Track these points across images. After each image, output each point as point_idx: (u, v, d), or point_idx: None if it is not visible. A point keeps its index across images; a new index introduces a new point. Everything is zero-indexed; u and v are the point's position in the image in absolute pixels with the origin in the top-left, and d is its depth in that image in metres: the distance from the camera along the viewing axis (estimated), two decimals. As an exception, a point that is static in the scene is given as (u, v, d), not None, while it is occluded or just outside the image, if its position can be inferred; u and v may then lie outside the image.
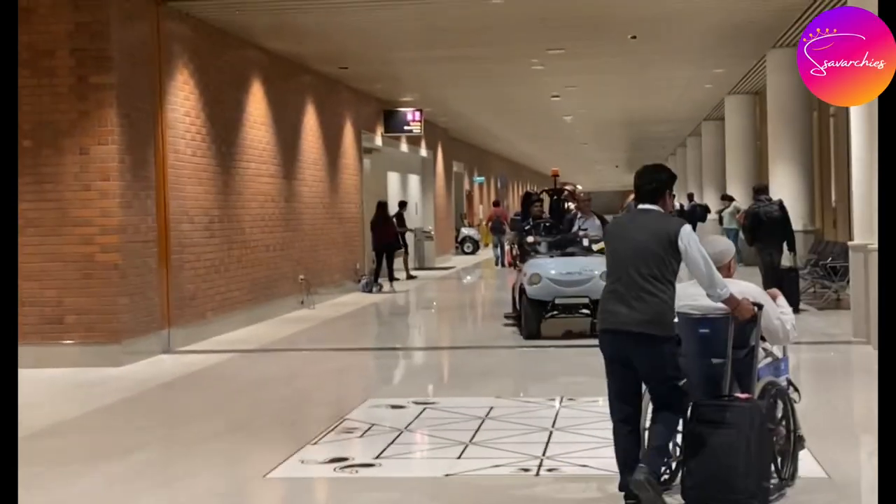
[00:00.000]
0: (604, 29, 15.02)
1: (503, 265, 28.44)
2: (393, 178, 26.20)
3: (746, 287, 5.48)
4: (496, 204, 32.46)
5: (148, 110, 11.52)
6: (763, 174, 21.61)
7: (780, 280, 13.24)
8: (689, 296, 5.35)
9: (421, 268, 27.46)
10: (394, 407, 8.00)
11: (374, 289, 19.91)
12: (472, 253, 34.21)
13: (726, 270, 5.50)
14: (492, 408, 7.81)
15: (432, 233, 28.36)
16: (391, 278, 20.27)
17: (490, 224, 30.86)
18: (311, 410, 8.30)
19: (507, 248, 20.66)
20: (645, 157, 48.27)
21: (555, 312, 12.03)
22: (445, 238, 31.44)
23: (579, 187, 66.01)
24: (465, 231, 35.80)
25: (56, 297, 10.59)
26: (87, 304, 10.58)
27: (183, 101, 12.41)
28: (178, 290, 12.02)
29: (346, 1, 12.60)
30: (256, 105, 14.92)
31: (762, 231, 14.06)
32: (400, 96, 22.51)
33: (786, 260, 14.51)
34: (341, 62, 17.27)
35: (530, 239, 12.98)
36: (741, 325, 5.26)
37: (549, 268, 11.99)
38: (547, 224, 13.59)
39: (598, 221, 13.16)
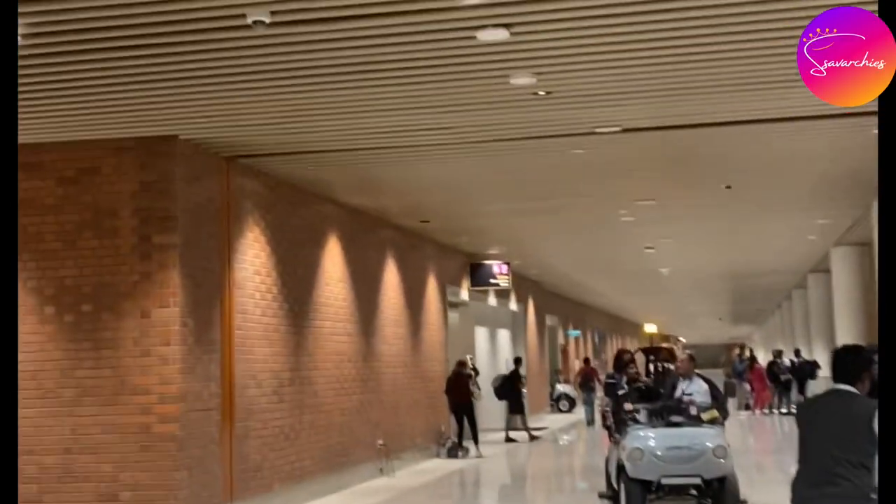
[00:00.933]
0: (696, 179, 14.25)
1: (591, 423, 27.10)
2: (481, 333, 25.39)
3: None
4: (586, 361, 31.33)
5: (214, 270, 11.00)
6: (873, 330, 20.24)
7: None
8: None
9: (513, 428, 26.34)
10: None
11: (460, 453, 18.89)
12: (568, 411, 32.91)
13: None
14: None
15: (524, 391, 27.26)
16: (476, 440, 19.23)
17: (580, 382, 29.72)
18: None
19: (598, 412, 17.96)
20: (749, 309, 46.83)
21: (660, 494, 10.42)
22: (539, 395, 30.32)
23: (682, 340, 63.92)
24: (560, 388, 34.57)
25: (112, 472, 9.91)
26: (144, 479, 9.87)
27: (252, 259, 11.90)
28: (242, 461, 11.26)
29: (425, 154, 12.08)
30: (332, 261, 14.39)
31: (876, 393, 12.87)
32: (486, 249, 21.91)
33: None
34: (422, 216, 16.75)
35: (628, 406, 11.27)
36: None
37: (653, 441, 10.42)
38: (644, 388, 12.01)
39: (704, 384, 11.52)
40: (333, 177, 13.11)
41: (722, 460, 10.22)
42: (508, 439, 22.98)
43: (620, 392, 12.05)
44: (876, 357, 5.09)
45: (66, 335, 10.14)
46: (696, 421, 10.75)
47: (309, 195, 13.68)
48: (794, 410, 27.94)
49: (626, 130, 11.12)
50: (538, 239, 20.82)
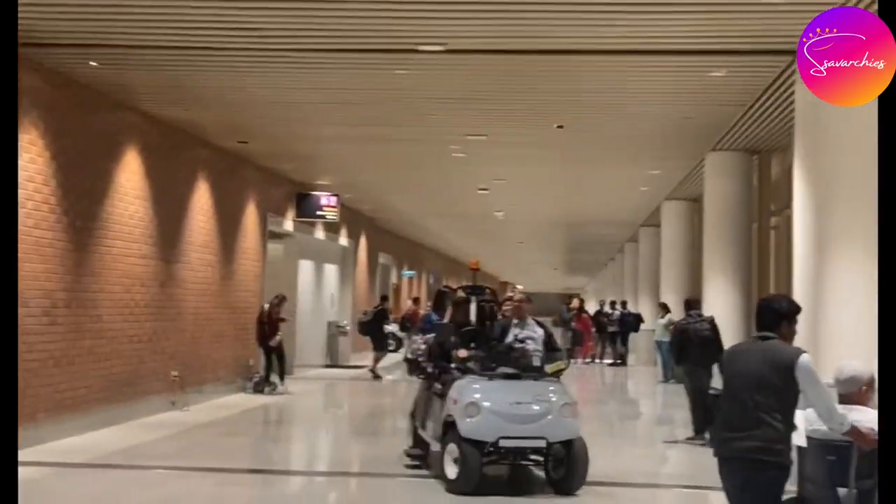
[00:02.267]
0: (528, 114, 13.52)
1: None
2: (306, 267, 24.37)
3: (874, 416, 5.21)
4: (415, 301, 30.66)
5: (-25, 171, 9.66)
6: (698, 286, 20.13)
7: (707, 407, 11.64)
8: (818, 420, 5.29)
9: (334, 365, 25.54)
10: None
11: (266, 389, 17.93)
12: (395, 350, 32.29)
13: (858, 396, 5.41)
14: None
15: (347, 328, 26.48)
16: (282, 376, 18.28)
17: (401, 322, 29.00)
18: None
19: (409, 350, 13.68)
20: (584, 260, 47.11)
21: (494, 457, 8.97)
22: (364, 334, 29.49)
23: (519, 287, 64.74)
24: (388, 327, 33.90)
25: None
26: None
27: (27, 165, 10.58)
28: (-4, 387, 10.02)
29: (240, 61, 10.94)
30: (129, 176, 13.11)
31: (691, 350, 12.50)
32: (314, 179, 20.84)
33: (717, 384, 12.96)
34: (241, 135, 15.56)
35: (462, 352, 9.60)
36: (867, 454, 5.18)
37: (490, 395, 8.82)
38: (472, 332, 10.12)
39: (540, 330, 9.86)
40: (136, 80, 11.84)
41: (570, 420, 8.84)
42: (376, 376, 22.33)
43: (451, 339, 10.11)
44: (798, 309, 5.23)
45: None
46: (537, 373, 9.26)
47: (105, 99, 12.36)
48: (617, 362, 28.35)
49: (450, 51, 10.29)
50: (369, 171, 19.88)
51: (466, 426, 8.63)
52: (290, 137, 15.93)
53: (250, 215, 18.34)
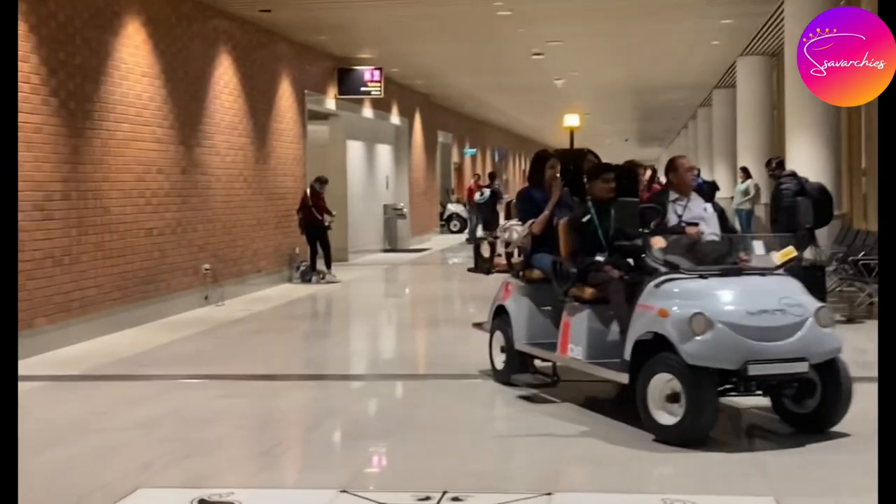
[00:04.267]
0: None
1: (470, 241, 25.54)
2: (356, 149, 23.01)
3: None
4: (476, 179, 29.21)
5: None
6: (780, 149, 18.37)
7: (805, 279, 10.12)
8: None
9: (392, 249, 24.39)
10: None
11: (314, 277, 16.82)
12: (459, 231, 31.07)
13: None
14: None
15: (405, 210, 25.22)
16: (328, 264, 17.13)
17: (466, 200, 27.96)
18: (56, 495, 5.26)
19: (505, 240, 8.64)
20: (656, 128, 45.02)
21: (735, 392, 6.34)
22: (424, 216, 28.29)
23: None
24: (451, 207, 32.67)
25: None
26: None
27: (-1, 39, 9.27)
28: (-19, 292, 8.93)
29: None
30: (132, 51, 11.77)
31: (805, 214, 11.25)
32: (355, 52, 19.32)
33: (810, 254, 11.59)
34: (262, 2, 14.09)
35: (659, 241, 6.59)
36: None
37: (722, 302, 6.19)
38: (651, 211, 7.15)
39: (709, 206, 7.47)
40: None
41: (830, 331, 6.30)
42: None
43: (582, 218, 7.34)
44: None
45: None
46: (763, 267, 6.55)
47: (95, -36, 10.97)
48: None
49: None
50: (412, 41, 18.31)
51: (695, 349, 5.99)
52: (319, 3, 14.42)
53: (285, 94, 16.96)
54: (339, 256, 19.71)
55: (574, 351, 7.03)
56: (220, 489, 5.26)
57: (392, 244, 24.74)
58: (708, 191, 26.35)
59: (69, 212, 10.38)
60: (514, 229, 7.95)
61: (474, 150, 37.30)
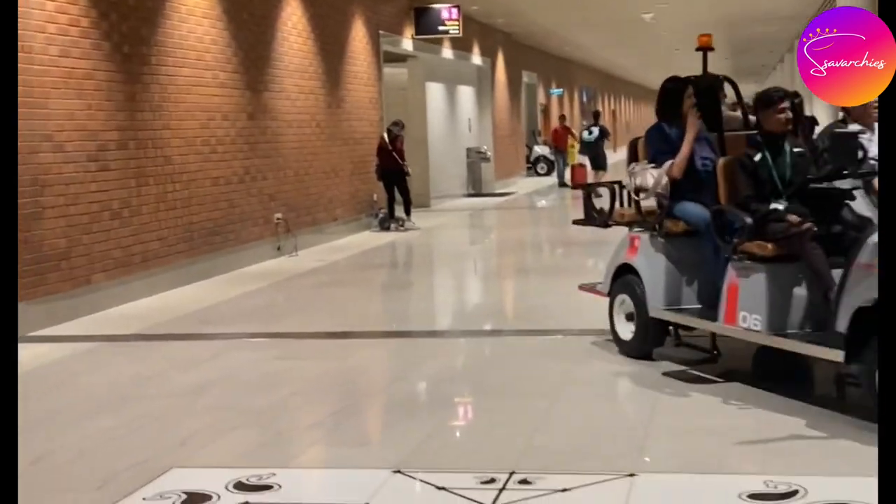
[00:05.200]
0: None
1: (563, 184, 24.82)
2: (436, 91, 22.25)
3: None
4: (561, 119, 28.22)
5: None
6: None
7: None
8: None
9: (476, 194, 23.69)
10: (192, 500, 4.37)
11: (392, 225, 16.24)
12: (547, 174, 30.19)
13: None
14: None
15: (488, 153, 24.44)
16: (408, 211, 16.53)
17: (552, 143, 27.22)
18: (83, 474, 4.73)
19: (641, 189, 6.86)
20: (750, 63, 43.29)
21: None
22: (509, 159, 27.49)
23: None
24: (537, 150, 31.75)
25: None
26: None
27: (44, -20, 8.76)
28: (32, 250, 8.50)
29: None
30: (191, -9, 11.20)
31: None
32: (431, -11, 18.55)
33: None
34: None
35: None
36: None
37: None
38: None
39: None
40: None
41: None
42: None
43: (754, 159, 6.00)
44: None
45: None
46: None
47: None
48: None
49: None
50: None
51: None
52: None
53: (358, 35, 16.28)
54: (421, 202, 19.12)
55: (748, 320, 5.73)
56: (261, 470, 4.68)
57: (475, 188, 24.04)
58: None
59: (127, 162, 9.88)
60: (649, 173, 6.55)
61: (561, 90, 36.24)
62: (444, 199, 21.48)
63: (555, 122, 29.97)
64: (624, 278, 6.73)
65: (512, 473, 4.52)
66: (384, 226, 16.22)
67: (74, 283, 9.02)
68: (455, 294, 11.18)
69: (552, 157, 29.18)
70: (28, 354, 7.62)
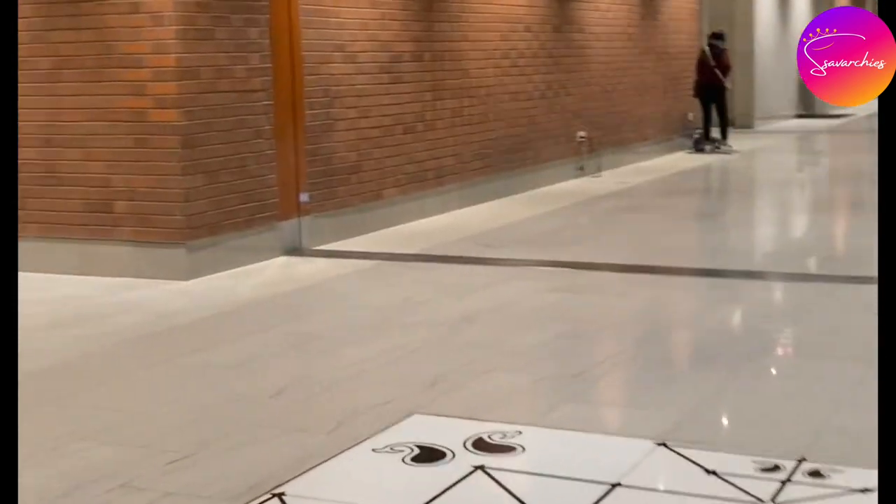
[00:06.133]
0: None
1: None
2: (764, 1, 20.54)
3: None
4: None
5: None
6: None
7: None
8: None
9: (808, 115, 21.92)
10: (424, 456, 3.91)
11: (707, 147, 15.18)
12: None
13: None
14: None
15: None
16: (725, 133, 15.38)
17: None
18: (320, 413, 4.40)
19: None
20: None
21: None
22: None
23: None
24: None
25: (103, 174, 7.27)
26: (142, 185, 7.17)
27: None
28: (320, 162, 8.34)
29: None
30: None
31: None
32: None
33: None
34: None
35: None
36: None
37: None
38: None
39: None
40: None
41: None
42: None
43: None
44: None
45: (39, -15, 7.30)
46: None
47: None
48: None
49: None
50: None
51: None
52: None
53: (681, -61, 15.14)
54: (744, 123, 17.86)
55: None
56: (507, 425, 4.14)
57: (808, 109, 22.24)
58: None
59: (422, 74, 9.54)
60: None
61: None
62: (770, 119, 19.97)
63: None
64: None
65: (801, 461, 3.72)
66: (698, 147, 15.21)
67: (364, 197, 8.84)
68: (772, 228, 10.12)
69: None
70: (309, 269, 7.50)
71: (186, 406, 4.58)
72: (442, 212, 9.76)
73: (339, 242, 8.38)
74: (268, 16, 7.69)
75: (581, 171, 12.34)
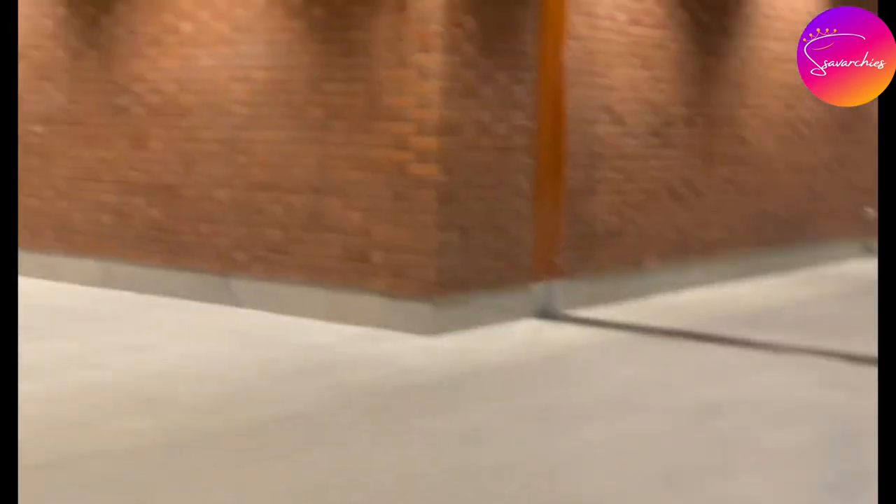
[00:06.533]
0: None
1: None
2: None
3: None
4: None
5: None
6: None
7: None
8: None
9: None
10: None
11: None
12: None
13: None
14: None
15: None
16: None
17: None
18: (534, 499, 4.11)
19: None
20: None
21: None
22: None
23: None
24: None
25: (361, 224, 7.33)
26: (399, 238, 7.18)
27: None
28: (581, 225, 8.10)
29: None
30: (790, -46, 10.08)
31: None
32: None
33: None
34: None
35: None
36: None
37: None
38: None
39: None
40: None
41: None
42: None
43: None
44: None
45: (316, 34, 7.49)
46: None
47: None
48: None
49: None
50: None
51: None
52: None
53: None
54: None
55: None
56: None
57: None
58: None
59: (693, 139, 9.14)
60: None
61: None
62: None
63: None
64: None
65: None
66: None
67: (623, 263, 8.52)
68: None
69: None
70: (557, 335, 7.25)
71: (403, 473, 4.41)
72: (705, 285, 9.27)
73: (592, 309, 8.10)
74: (534, 74, 7.56)
75: (868, 251, 11.47)
